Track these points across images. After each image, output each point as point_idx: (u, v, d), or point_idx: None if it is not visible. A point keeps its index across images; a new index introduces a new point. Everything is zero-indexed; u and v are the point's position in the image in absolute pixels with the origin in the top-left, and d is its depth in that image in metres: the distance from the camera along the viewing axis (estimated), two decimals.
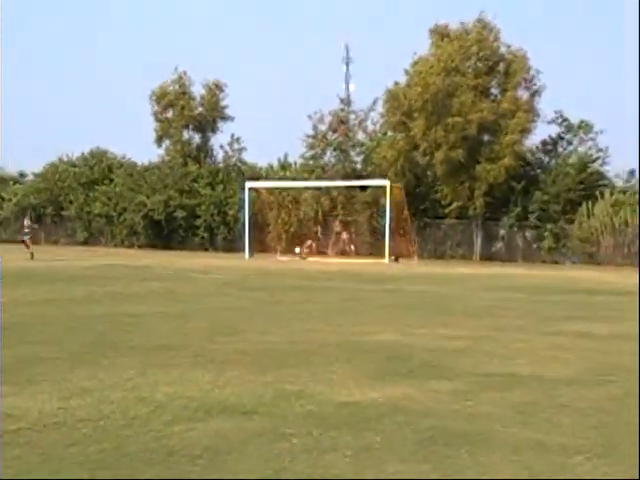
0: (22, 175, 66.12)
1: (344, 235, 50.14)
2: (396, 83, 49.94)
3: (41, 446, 7.02)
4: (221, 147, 59.19)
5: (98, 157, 61.79)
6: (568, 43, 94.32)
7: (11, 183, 63.55)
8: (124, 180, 58.06)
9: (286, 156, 56.67)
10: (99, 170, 60.34)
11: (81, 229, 59.28)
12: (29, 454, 6.79)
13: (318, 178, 51.50)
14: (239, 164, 57.91)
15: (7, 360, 11.03)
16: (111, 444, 7.08)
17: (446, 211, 49.25)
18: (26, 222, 43.46)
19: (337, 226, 50.84)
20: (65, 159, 62.75)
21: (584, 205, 45.97)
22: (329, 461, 6.73)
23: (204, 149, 60.16)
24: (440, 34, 49.42)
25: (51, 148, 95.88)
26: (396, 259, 43.73)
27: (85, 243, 58.33)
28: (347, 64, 56.53)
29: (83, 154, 62.41)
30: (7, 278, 25.28)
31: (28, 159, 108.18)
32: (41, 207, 60.60)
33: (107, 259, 37.66)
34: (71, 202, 59.49)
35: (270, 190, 51.58)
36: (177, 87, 59.81)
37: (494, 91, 49.43)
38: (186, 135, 60.11)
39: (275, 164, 56.97)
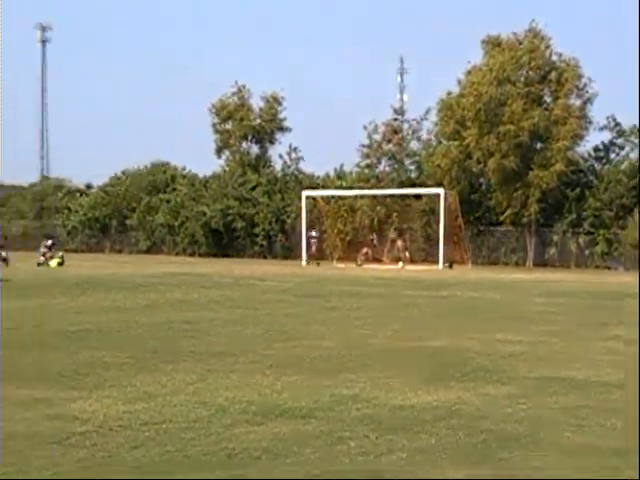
0: (89, 187, 67.30)
1: (399, 242, 50.22)
2: (449, 93, 50.36)
3: (107, 449, 7.27)
4: (280, 157, 59.88)
5: (160, 169, 62.77)
6: (621, 47, 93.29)
7: (78, 195, 64.67)
8: (186, 190, 58.90)
9: (342, 166, 57.27)
10: (161, 181, 61.28)
11: (144, 238, 60.14)
12: (95, 456, 7.06)
13: (373, 187, 51.81)
14: (296, 173, 58.43)
15: (75, 365, 11.40)
16: (174, 447, 7.32)
17: (500, 218, 49.20)
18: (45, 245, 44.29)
19: (392, 233, 50.97)
20: (129, 171, 63.82)
21: (636, 211, 45.52)
22: (385, 464, 6.89)
23: (262, 159, 60.93)
24: (492, 44, 49.53)
25: (116, 161, 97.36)
26: (450, 265, 43.79)
27: (148, 252, 59.15)
28: (401, 75, 56.76)
29: (146, 166, 63.42)
30: (74, 286, 25.84)
31: (94, 172, 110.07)
32: (106, 218, 61.64)
33: (169, 267, 38.19)
34: (134, 212, 60.42)
35: (326, 199, 51.95)
36: (236, 99, 60.71)
37: (547, 99, 49.29)
38: (245, 146, 61.00)
39: (331, 173, 57.46)
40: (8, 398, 9.17)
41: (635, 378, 10.48)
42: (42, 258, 40.88)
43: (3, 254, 39.46)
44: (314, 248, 48.54)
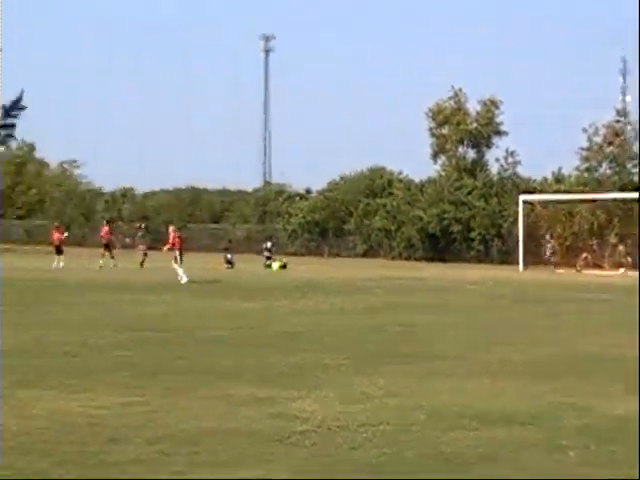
0: (308, 192, 68.96)
1: (620, 247, 48.36)
2: None
3: (326, 449, 7.46)
4: (496, 160, 59.21)
5: (377, 174, 63.49)
6: None
7: (298, 199, 66.40)
8: (402, 194, 59.30)
9: (560, 169, 55.80)
10: (378, 186, 61.97)
11: (361, 242, 60.98)
12: (314, 455, 7.25)
13: (593, 191, 50.18)
14: (513, 177, 57.56)
15: (295, 366, 11.76)
16: (390, 449, 7.40)
17: None
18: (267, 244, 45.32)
19: (613, 238, 49.15)
20: (347, 176, 64.91)
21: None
22: (606, 474, 6.72)
23: (479, 163, 60.44)
24: None
25: (334, 167, 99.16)
26: None
27: (364, 255, 59.87)
28: (624, 76, 54.67)
29: (363, 171, 64.29)
30: (295, 289, 26.58)
31: (313, 177, 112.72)
32: (325, 222, 62.95)
33: (385, 271, 38.54)
34: (351, 216, 61.39)
35: (544, 203, 50.83)
36: (452, 103, 60.58)
37: None
38: (461, 150, 60.77)
39: (549, 177, 56.16)
40: (232, 396, 9.58)
41: None
42: (266, 260, 42.32)
43: (228, 257, 41.07)
44: (549, 252, 47.60)
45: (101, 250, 38.39)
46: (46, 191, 73.77)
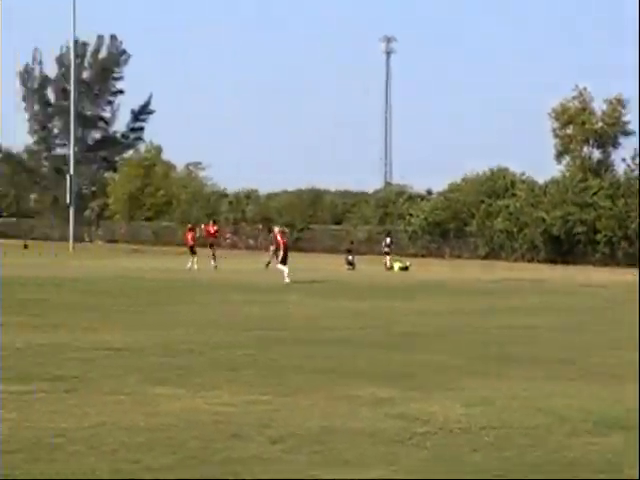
0: (429, 193, 68.70)
1: None
2: None
3: (447, 450, 7.45)
4: (623, 160, 57.77)
5: (499, 174, 62.73)
6: None
7: (419, 201, 66.20)
8: (525, 196, 58.44)
9: None
10: (500, 187, 61.23)
11: (482, 244, 60.38)
12: (435, 457, 7.24)
13: None
14: None
15: (416, 366, 11.76)
16: (512, 452, 7.33)
17: None
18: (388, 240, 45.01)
19: None
20: (468, 177, 64.38)
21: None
22: None
23: (604, 163, 59.11)
24: None
25: (455, 167, 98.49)
26: None
27: (486, 257, 59.26)
28: None
29: (484, 172, 63.64)
30: (417, 290, 26.53)
31: (434, 178, 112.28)
32: (446, 223, 62.58)
33: (507, 273, 38.04)
34: (473, 218, 60.86)
35: None
36: (577, 103, 59.42)
37: None
38: (586, 150, 59.51)
39: None
40: (354, 396, 9.63)
41: None
42: (387, 260, 42.34)
43: (349, 258, 41.26)
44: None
45: (209, 251, 38.56)
46: (173, 193, 75.49)
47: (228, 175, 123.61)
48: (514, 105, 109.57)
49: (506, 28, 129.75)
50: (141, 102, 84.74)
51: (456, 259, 57.85)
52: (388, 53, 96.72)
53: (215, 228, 41.06)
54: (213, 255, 37.56)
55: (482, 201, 60.85)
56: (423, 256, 57.84)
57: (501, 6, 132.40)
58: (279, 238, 31.60)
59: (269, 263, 38.04)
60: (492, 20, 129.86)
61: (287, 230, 32.70)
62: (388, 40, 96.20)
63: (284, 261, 29.74)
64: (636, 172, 56.56)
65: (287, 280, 28.56)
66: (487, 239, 60.49)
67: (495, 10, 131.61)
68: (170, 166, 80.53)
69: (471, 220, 61.45)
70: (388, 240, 44.75)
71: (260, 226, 66.68)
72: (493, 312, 20.14)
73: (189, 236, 39.29)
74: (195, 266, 36.11)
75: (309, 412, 8.76)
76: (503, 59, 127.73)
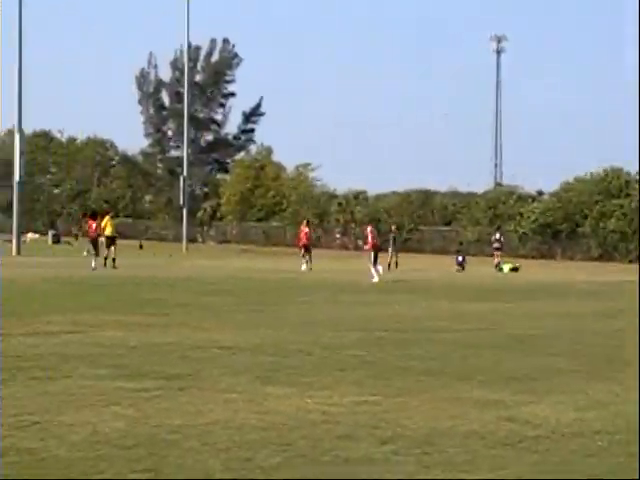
0: (540, 194, 67.68)
1: None
2: None
3: (559, 455, 7.32)
4: None
5: (613, 174, 61.36)
6: None
7: (530, 201, 65.30)
8: None
9: None
10: (615, 187, 59.89)
11: (595, 245, 59.18)
12: (546, 461, 7.15)
13: None
14: None
15: (527, 369, 11.62)
16: (626, 459, 7.17)
17: None
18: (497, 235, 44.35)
19: None
20: (581, 177, 63.18)
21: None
22: None
23: None
24: None
25: (567, 168, 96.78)
26: None
27: (599, 259, 58.07)
28: None
29: (597, 172, 62.32)
30: (528, 292, 26.18)
31: (545, 179, 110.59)
32: (557, 224, 61.55)
33: (622, 275, 37.17)
34: (586, 219, 59.70)
35: None
36: None
37: None
38: None
39: None
40: (463, 398, 9.59)
41: None
42: (497, 260, 41.91)
43: (459, 259, 40.96)
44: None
45: (300, 251, 38.56)
46: (283, 194, 76.22)
47: (337, 176, 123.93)
48: (629, 104, 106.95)
49: (617, 25, 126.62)
50: (252, 104, 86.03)
51: (568, 261, 56.83)
52: (498, 52, 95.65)
53: (306, 230, 40.94)
54: (308, 257, 37.44)
55: (596, 202, 59.64)
56: (533, 257, 57.01)
57: (614, 2, 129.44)
58: (369, 238, 31.82)
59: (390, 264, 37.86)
60: (604, 17, 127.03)
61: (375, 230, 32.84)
62: (498, 39, 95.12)
63: (375, 261, 30.19)
64: None
65: (375, 279, 28.96)
66: (600, 240, 59.26)
67: (608, 6, 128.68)
68: (280, 167, 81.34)
69: (584, 221, 60.27)
70: (498, 235, 44.16)
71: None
72: (607, 315, 19.73)
73: (303, 233, 39.22)
74: (305, 266, 36.33)
75: (418, 413, 8.75)
76: (615, 57, 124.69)
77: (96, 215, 38.86)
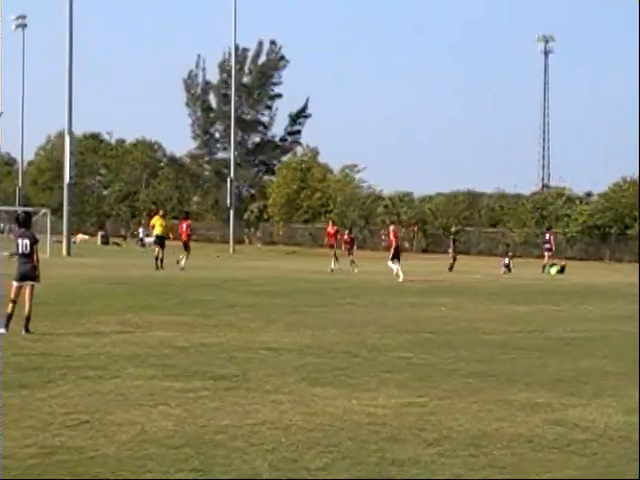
0: (589, 195, 67.04)
1: None
2: None
3: (607, 459, 7.26)
4: None
5: None
6: None
7: (578, 203, 64.73)
8: None
9: None
10: None
11: None
12: (594, 465, 7.09)
13: None
14: None
15: (574, 372, 11.53)
16: None
17: None
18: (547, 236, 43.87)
19: None
20: (629, 179, 62.47)
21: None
22: None
23: None
24: None
25: (616, 169, 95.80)
26: None
27: None
28: None
29: None
30: (574, 294, 25.94)
31: (594, 180, 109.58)
32: (606, 226, 60.92)
33: None
34: (635, 220, 58.98)
35: None
36: None
37: None
38: None
39: None
40: (510, 400, 9.55)
41: None
42: (547, 261, 41.51)
43: (506, 261, 40.70)
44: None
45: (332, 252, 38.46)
46: (329, 195, 76.27)
47: (384, 178, 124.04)
48: None
49: None
50: (298, 106, 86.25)
51: (616, 263, 56.23)
52: (546, 53, 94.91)
53: (335, 229, 40.94)
54: (336, 258, 37.43)
55: None
56: (581, 259, 56.48)
57: None
58: (391, 237, 32.80)
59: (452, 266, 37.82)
60: None
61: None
62: (546, 40, 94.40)
63: (396, 258, 31.32)
64: None
65: (401, 278, 29.80)
66: None
67: None
68: (326, 169, 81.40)
69: (633, 222, 59.62)
70: (548, 236, 43.62)
71: (415, 228, 66.59)
72: None
73: (345, 236, 39.46)
74: (335, 266, 36.44)
75: (464, 415, 8.74)
76: None
77: (188, 216, 40.16)
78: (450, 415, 8.74)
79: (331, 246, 39.23)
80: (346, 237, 40.18)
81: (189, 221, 39.01)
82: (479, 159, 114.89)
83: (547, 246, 42.58)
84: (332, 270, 36.30)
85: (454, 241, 41.90)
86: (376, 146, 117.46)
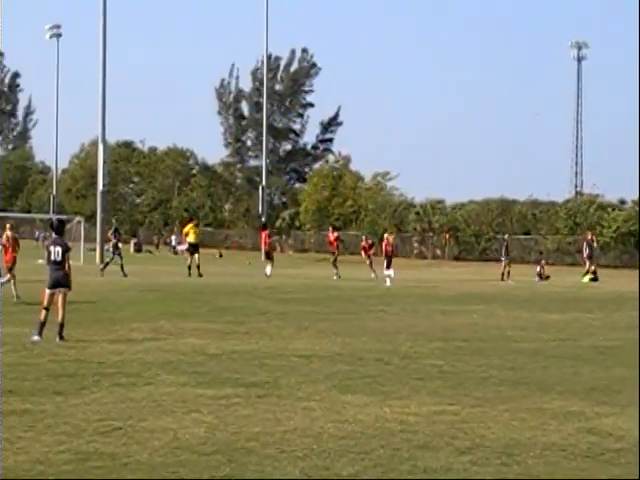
0: (622, 202, 66.50)
1: None
2: None
3: None
4: None
5: None
6: None
7: (610, 210, 64.26)
8: None
9: None
10: None
11: None
12: (629, 474, 7.03)
13: None
14: None
15: (608, 380, 11.43)
16: None
17: None
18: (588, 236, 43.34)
19: None
20: None
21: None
22: None
23: None
24: None
25: None
26: None
27: None
28: None
29: None
30: (609, 302, 25.74)
31: (628, 187, 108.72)
32: None
33: None
34: None
35: None
36: None
37: None
38: None
39: None
40: (543, 409, 9.48)
41: None
42: (587, 264, 41.08)
43: (538, 269, 40.44)
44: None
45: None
46: (360, 203, 76.24)
47: (415, 185, 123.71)
48: None
49: None
50: (329, 113, 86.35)
51: None
52: (579, 60, 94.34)
53: (335, 235, 40.72)
54: (335, 265, 37.30)
55: None
56: (615, 267, 56.03)
57: None
58: (384, 245, 35.13)
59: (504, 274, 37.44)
60: None
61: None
62: (579, 46, 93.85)
63: (387, 266, 33.28)
64: None
65: (388, 284, 31.29)
66: None
67: None
68: (358, 176, 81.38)
69: None
70: (589, 235, 42.95)
71: (447, 236, 66.34)
72: None
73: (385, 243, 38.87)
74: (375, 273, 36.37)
75: (497, 424, 8.69)
76: None
77: (266, 226, 40.98)
78: (482, 423, 8.71)
79: (332, 253, 39.15)
80: (364, 242, 39.55)
81: (267, 230, 40.24)
82: (512, 166, 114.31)
83: (587, 253, 41.62)
84: (339, 277, 35.95)
85: (507, 247, 41.01)
86: (408, 153, 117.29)
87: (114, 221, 46.30)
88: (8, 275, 22.57)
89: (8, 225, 25.13)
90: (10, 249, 23.21)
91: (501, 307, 23.20)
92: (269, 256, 36.91)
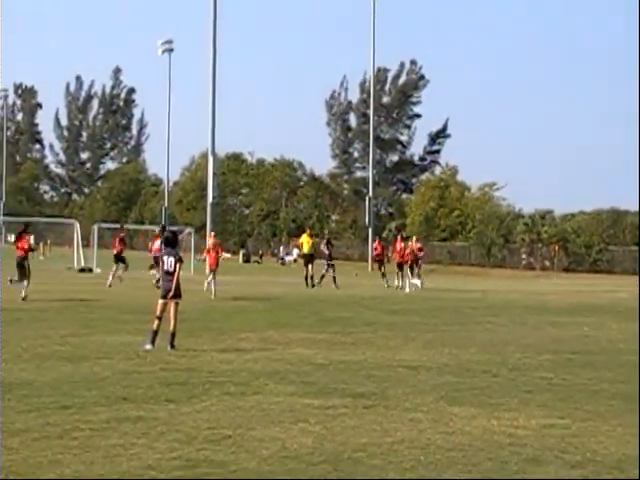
0: None
1: None
2: None
3: None
4: None
5: None
6: None
7: None
8: None
9: None
10: None
11: None
12: None
13: None
14: None
15: None
16: None
17: None
18: None
19: None
20: None
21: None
22: None
23: None
24: None
25: None
26: None
27: None
28: None
29: None
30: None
31: None
32: None
33: None
34: None
35: None
36: None
37: None
38: None
39: None
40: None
41: None
42: None
43: None
44: None
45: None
46: (467, 214, 75.69)
47: (524, 195, 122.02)
48: None
49: None
50: (436, 124, 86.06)
51: None
52: None
53: (382, 245, 40.39)
54: (418, 273, 36.72)
55: None
56: None
57: None
58: (397, 250, 35.83)
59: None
60: None
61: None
62: None
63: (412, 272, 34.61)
64: None
65: (407, 290, 32.73)
66: None
67: None
68: (465, 187, 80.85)
69: None
70: None
71: (556, 247, 65.24)
72: None
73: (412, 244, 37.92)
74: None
75: (608, 438, 8.53)
76: None
77: (381, 237, 42.07)
78: (593, 437, 8.55)
79: (378, 262, 39.24)
80: (413, 245, 37.62)
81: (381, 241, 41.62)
82: (624, 175, 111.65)
83: None
84: (388, 286, 35.66)
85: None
86: (516, 163, 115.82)
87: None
88: (211, 275, 27.62)
89: (212, 233, 31.07)
90: (214, 254, 28.33)
91: (612, 319, 22.71)
92: (401, 267, 35.81)
